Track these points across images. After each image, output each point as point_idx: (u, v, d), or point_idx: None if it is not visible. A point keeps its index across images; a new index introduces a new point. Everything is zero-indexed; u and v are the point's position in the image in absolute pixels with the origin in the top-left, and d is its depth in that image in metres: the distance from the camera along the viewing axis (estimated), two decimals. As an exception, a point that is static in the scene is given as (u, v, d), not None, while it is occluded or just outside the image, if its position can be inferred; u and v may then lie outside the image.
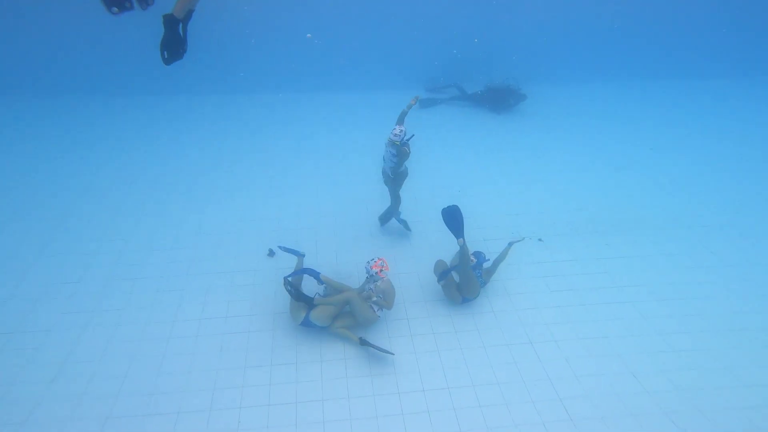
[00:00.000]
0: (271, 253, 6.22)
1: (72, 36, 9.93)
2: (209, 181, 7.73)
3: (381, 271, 4.91)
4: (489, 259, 5.63)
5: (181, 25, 2.80)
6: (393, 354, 4.80)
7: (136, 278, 5.80)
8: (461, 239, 5.11)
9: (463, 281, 5.25)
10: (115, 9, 2.50)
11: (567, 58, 11.27)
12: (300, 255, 5.67)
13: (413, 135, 5.55)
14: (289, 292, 4.94)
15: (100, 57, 10.21)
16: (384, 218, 6.55)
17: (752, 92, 11.26)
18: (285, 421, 4.28)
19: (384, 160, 5.78)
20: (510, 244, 5.71)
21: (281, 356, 4.87)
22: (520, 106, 10.11)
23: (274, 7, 10.25)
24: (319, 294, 5.15)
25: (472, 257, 5.35)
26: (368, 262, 4.98)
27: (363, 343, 4.84)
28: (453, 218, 5.29)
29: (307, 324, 4.93)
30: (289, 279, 5.08)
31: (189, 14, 2.82)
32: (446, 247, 5.90)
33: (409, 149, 5.54)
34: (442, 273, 5.25)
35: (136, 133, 9.17)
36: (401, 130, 5.45)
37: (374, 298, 4.93)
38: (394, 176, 5.88)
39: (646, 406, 4.40)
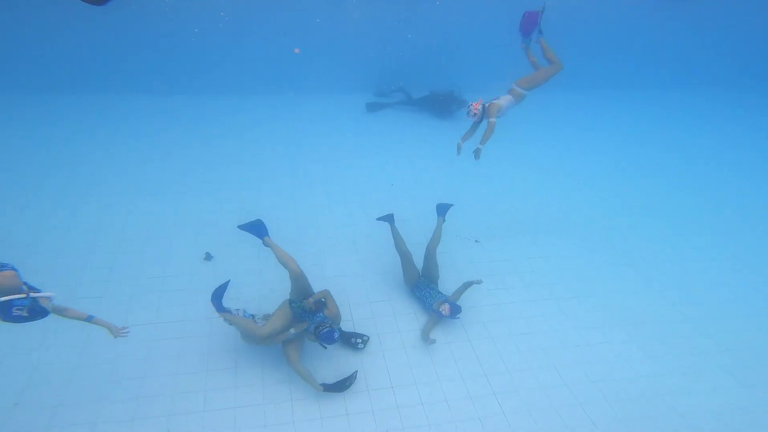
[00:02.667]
0: (209, 257, 5.92)
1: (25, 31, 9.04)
2: (136, 180, 7.32)
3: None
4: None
5: None
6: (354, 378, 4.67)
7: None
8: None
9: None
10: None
11: (503, 65, 11.46)
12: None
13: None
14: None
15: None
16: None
17: (687, 101, 11.89)
18: (223, 428, 4.23)
19: None
20: (466, 285, 5.45)
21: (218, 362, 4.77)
22: (461, 112, 10.24)
23: (216, 9, 9.71)
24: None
25: (446, 308, 5.02)
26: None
27: (326, 389, 4.46)
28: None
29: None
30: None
31: None
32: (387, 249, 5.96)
33: None
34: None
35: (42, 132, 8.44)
36: None
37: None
38: None
39: (565, 397, 4.67)
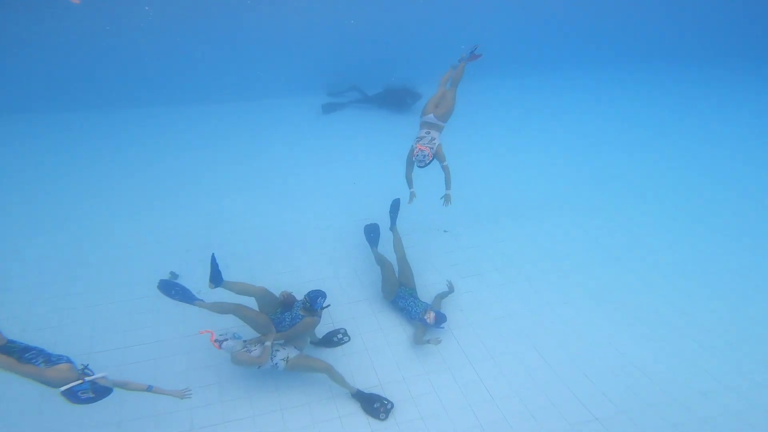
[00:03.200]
0: (174, 276, 5.54)
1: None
2: (92, 201, 6.86)
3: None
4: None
5: None
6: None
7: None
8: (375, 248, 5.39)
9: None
10: None
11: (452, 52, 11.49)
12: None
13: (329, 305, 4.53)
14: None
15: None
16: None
17: (645, 77, 12.33)
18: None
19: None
20: (441, 295, 5.29)
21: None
22: (417, 105, 10.22)
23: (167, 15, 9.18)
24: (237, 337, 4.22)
25: (431, 316, 4.84)
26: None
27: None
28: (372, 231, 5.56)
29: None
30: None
31: None
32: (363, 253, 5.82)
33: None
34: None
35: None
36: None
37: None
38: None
39: (549, 377, 4.68)
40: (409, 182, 5.47)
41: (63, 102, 9.17)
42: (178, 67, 9.79)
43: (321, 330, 4.97)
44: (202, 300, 4.37)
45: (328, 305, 4.33)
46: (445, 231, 6.49)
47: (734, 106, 11.10)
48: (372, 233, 5.80)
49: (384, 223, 5.96)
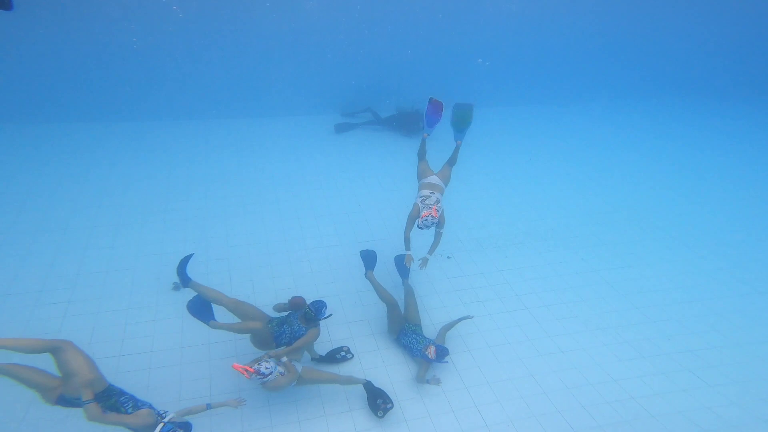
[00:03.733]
0: (177, 287, 5.63)
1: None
2: (93, 212, 6.96)
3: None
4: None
5: None
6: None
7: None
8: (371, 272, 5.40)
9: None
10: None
11: (469, 82, 11.67)
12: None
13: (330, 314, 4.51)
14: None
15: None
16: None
17: (626, 115, 12.40)
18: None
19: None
20: (446, 327, 5.17)
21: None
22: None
23: (178, 29, 9.43)
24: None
25: (432, 350, 4.67)
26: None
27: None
28: (368, 255, 5.53)
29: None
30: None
31: None
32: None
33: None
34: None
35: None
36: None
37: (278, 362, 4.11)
38: None
39: (544, 406, 4.70)
40: (407, 243, 5.23)
41: (71, 112, 9.40)
42: (191, 80, 10.04)
43: (319, 347, 5.03)
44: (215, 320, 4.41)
45: (330, 314, 4.41)
46: (448, 257, 6.55)
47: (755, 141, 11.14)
48: (368, 259, 5.63)
49: (383, 250, 6.03)
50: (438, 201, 5.12)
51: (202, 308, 4.41)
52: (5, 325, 5.06)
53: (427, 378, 4.72)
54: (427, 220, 4.93)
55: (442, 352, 4.67)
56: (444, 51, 11.08)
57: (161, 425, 3.37)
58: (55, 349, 3.37)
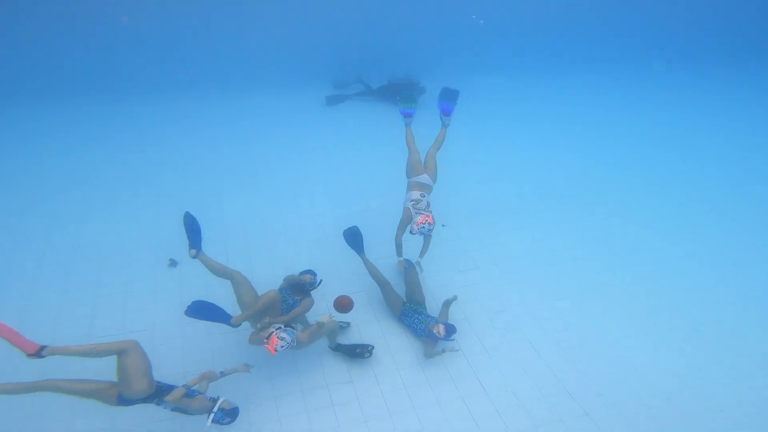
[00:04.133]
0: (173, 263, 5.62)
1: None
2: (88, 189, 6.88)
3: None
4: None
5: None
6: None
7: None
8: (364, 255, 5.24)
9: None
10: None
11: (462, 51, 11.35)
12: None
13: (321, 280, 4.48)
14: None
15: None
16: None
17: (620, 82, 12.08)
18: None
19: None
20: (447, 304, 5.05)
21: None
22: (421, 99, 10.13)
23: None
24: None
25: (440, 329, 4.55)
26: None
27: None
28: (353, 238, 5.30)
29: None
30: None
31: None
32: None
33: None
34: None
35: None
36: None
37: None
38: None
39: (541, 371, 4.72)
40: (399, 249, 5.08)
41: (80, 88, 9.16)
42: (176, 53, 9.73)
43: (346, 338, 4.98)
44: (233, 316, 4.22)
45: (321, 281, 4.38)
46: (443, 225, 6.49)
47: (731, 108, 10.94)
48: (353, 238, 5.35)
49: (377, 222, 5.96)
50: (429, 204, 4.97)
51: (211, 310, 4.17)
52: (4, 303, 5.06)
53: (440, 349, 4.72)
54: (423, 227, 4.74)
55: (450, 330, 4.55)
56: (434, 18, 10.76)
57: (212, 414, 3.60)
58: (121, 351, 3.41)
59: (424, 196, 4.99)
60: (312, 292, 4.40)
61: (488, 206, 6.99)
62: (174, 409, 3.61)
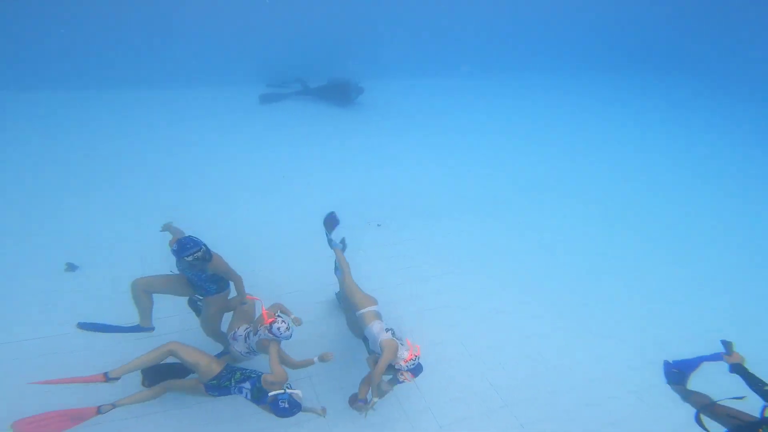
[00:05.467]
0: (71, 268, 5.02)
1: None
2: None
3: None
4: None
5: None
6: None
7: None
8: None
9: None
10: None
11: (399, 53, 11.44)
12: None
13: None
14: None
15: None
16: None
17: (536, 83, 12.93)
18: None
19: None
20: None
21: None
22: (360, 98, 10.09)
23: None
24: None
25: (408, 377, 3.88)
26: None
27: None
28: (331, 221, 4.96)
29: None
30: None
31: None
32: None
33: None
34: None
35: None
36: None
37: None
38: None
39: (470, 367, 4.83)
40: (380, 392, 3.93)
41: None
42: (100, 47, 8.91)
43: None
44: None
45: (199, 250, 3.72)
46: (378, 225, 6.47)
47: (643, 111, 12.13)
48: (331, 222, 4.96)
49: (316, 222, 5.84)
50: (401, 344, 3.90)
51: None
52: None
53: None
54: (414, 362, 3.79)
55: (417, 371, 3.95)
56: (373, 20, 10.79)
57: (280, 390, 3.39)
58: (171, 353, 3.49)
59: (384, 325, 4.10)
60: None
61: (423, 209, 7.07)
62: (252, 394, 3.50)
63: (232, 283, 3.96)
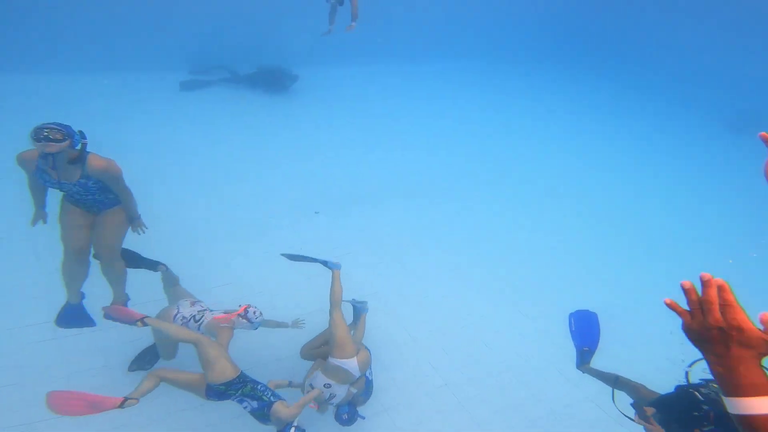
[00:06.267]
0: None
1: None
2: None
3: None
4: None
5: None
6: None
7: None
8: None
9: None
10: None
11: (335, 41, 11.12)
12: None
13: None
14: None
15: None
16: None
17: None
18: None
19: None
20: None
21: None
22: (294, 86, 9.75)
23: None
24: None
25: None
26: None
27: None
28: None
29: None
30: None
31: None
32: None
33: None
34: None
35: None
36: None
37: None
38: None
39: (411, 350, 4.83)
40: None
41: None
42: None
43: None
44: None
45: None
46: (316, 212, 6.28)
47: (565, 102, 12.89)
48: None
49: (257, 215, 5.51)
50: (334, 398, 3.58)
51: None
52: None
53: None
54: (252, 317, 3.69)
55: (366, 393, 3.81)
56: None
57: (292, 429, 3.26)
58: (197, 341, 3.38)
59: (330, 387, 3.55)
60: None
61: (358, 196, 6.95)
62: (253, 411, 3.31)
63: None
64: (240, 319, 3.64)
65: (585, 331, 4.01)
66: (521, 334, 5.34)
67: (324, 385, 3.53)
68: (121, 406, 3.02)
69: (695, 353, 1.11)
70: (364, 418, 3.61)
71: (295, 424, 3.29)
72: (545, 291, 6.06)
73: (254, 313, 3.68)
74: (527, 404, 4.56)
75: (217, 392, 3.28)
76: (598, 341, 3.89)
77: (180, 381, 3.33)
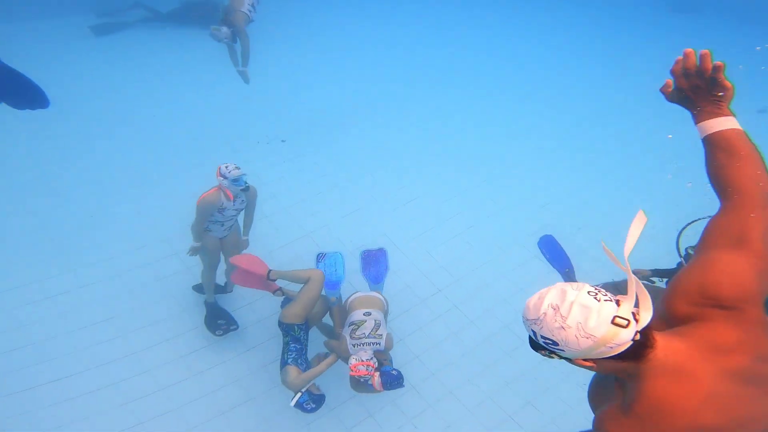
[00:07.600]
0: None
1: None
2: None
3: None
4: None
5: None
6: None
7: None
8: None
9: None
10: None
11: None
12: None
13: None
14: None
15: None
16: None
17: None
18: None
19: None
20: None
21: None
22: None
23: None
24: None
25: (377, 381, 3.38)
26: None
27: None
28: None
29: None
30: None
31: None
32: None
33: None
34: None
35: None
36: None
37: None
38: None
39: (399, 260, 4.83)
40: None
41: None
42: None
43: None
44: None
45: None
46: (282, 141, 5.98)
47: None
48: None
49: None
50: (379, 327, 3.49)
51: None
52: None
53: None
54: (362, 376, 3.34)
55: (392, 384, 3.40)
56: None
57: (298, 395, 3.26)
58: (309, 278, 3.57)
59: (370, 314, 3.48)
60: None
61: (324, 123, 6.58)
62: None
63: None
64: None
65: (555, 255, 4.19)
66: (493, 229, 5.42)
67: (364, 314, 3.48)
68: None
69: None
70: (323, 399, 3.42)
71: (303, 390, 3.28)
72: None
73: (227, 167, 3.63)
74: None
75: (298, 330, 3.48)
76: (569, 258, 4.10)
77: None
